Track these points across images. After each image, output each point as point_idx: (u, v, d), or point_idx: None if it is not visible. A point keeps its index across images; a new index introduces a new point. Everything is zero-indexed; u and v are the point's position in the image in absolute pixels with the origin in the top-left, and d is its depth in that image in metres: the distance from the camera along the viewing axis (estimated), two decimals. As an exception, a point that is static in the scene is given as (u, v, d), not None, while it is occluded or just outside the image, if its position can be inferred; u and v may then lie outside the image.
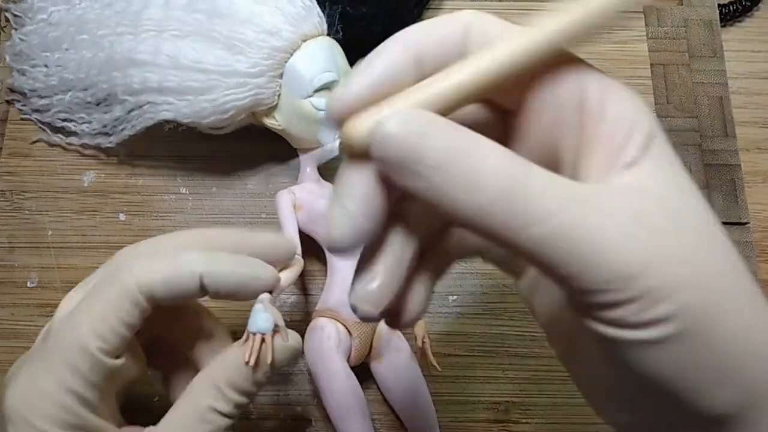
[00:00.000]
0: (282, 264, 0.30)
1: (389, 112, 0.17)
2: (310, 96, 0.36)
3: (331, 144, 0.37)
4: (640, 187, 0.18)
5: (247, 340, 0.27)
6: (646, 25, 0.46)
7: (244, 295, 0.27)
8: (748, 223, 0.41)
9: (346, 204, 0.18)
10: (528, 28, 0.19)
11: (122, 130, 0.40)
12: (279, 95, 0.38)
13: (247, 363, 0.27)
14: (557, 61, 0.19)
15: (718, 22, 0.46)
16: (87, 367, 0.24)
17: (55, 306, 0.39)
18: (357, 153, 0.18)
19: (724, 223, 0.41)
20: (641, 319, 0.16)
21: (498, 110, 0.21)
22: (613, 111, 0.18)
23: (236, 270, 0.27)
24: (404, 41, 0.20)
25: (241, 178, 0.42)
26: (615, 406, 0.20)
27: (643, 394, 0.18)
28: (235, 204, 0.41)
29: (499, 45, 0.19)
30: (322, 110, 0.36)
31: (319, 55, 0.37)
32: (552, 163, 0.19)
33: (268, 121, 0.38)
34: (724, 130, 0.43)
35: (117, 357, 0.25)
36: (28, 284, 0.40)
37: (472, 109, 0.20)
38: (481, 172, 0.16)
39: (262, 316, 0.27)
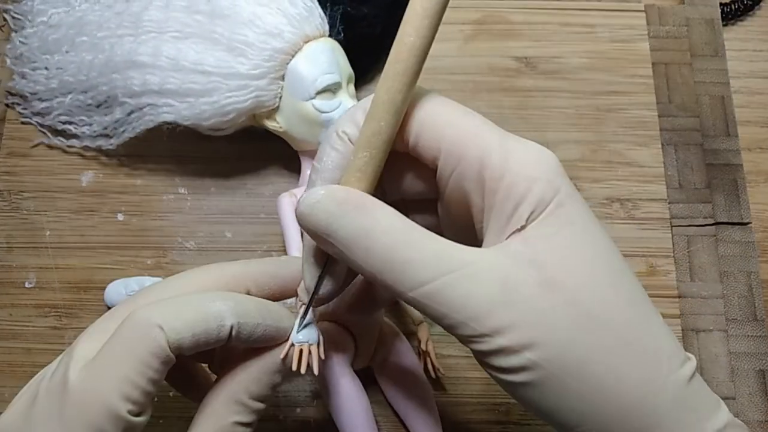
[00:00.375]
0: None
1: (307, 193, 0.22)
2: (312, 98, 0.36)
3: None
4: (518, 254, 0.21)
5: (288, 349, 0.26)
6: (647, 24, 0.45)
7: (262, 344, 0.26)
8: (750, 223, 0.41)
9: (311, 260, 0.24)
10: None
11: (123, 132, 0.40)
12: (280, 97, 0.37)
13: (295, 370, 0.26)
14: (463, 135, 0.22)
15: (720, 21, 0.46)
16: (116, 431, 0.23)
17: (54, 306, 0.39)
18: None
19: (726, 224, 0.41)
20: (504, 365, 0.20)
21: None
22: (507, 180, 0.21)
23: (264, 322, 0.25)
24: (335, 132, 0.24)
25: (240, 178, 0.42)
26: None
27: (542, 418, 0.22)
28: (234, 204, 0.41)
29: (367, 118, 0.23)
30: (324, 112, 0.36)
31: (321, 57, 0.36)
32: (469, 223, 0.23)
33: (270, 123, 0.38)
34: (726, 129, 0.43)
35: (143, 413, 0.24)
36: (26, 284, 0.40)
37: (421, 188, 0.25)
38: (373, 248, 0.21)
39: (311, 329, 0.27)
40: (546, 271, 0.20)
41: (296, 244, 0.35)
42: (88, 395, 0.22)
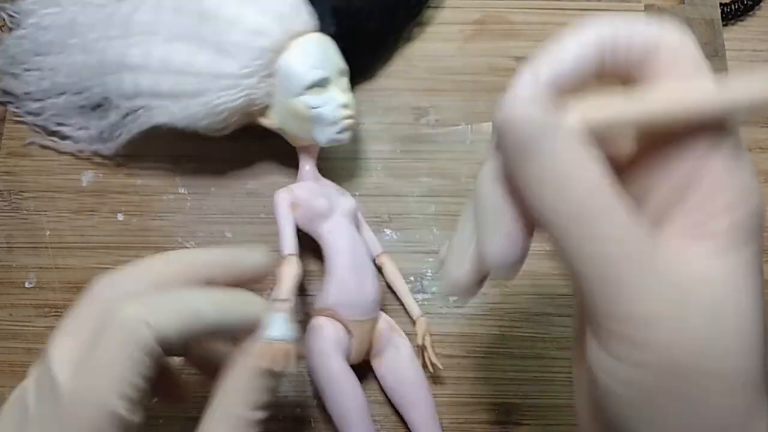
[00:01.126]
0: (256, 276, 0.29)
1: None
2: (301, 94, 0.36)
3: (327, 140, 0.37)
4: (692, 266, 0.19)
5: (261, 347, 0.27)
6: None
7: (242, 334, 0.27)
8: (750, 223, 0.41)
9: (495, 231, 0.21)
10: (724, 84, 0.20)
11: (118, 135, 0.40)
12: (272, 94, 0.37)
13: (269, 371, 0.26)
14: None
15: (720, 21, 0.46)
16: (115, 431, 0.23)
17: (54, 306, 0.39)
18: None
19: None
20: (625, 355, 0.19)
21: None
22: (718, 184, 0.19)
23: (241, 314, 0.26)
24: (598, 35, 0.21)
25: (240, 178, 0.42)
26: None
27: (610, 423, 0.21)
28: (234, 204, 0.41)
29: (694, 94, 0.20)
30: (314, 108, 0.36)
31: (309, 53, 0.36)
32: (639, 197, 0.21)
33: (264, 121, 0.38)
34: (726, 129, 0.43)
35: (137, 411, 0.24)
36: (26, 284, 0.40)
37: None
38: (572, 193, 0.19)
39: (287, 326, 0.27)
40: (710, 293, 0.19)
41: (289, 241, 0.35)
42: (85, 397, 0.23)
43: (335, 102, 0.36)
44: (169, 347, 0.24)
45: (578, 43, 0.20)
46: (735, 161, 0.20)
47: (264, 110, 0.38)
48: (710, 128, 0.20)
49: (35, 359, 0.38)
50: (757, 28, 0.48)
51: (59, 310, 0.39)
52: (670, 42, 0.20)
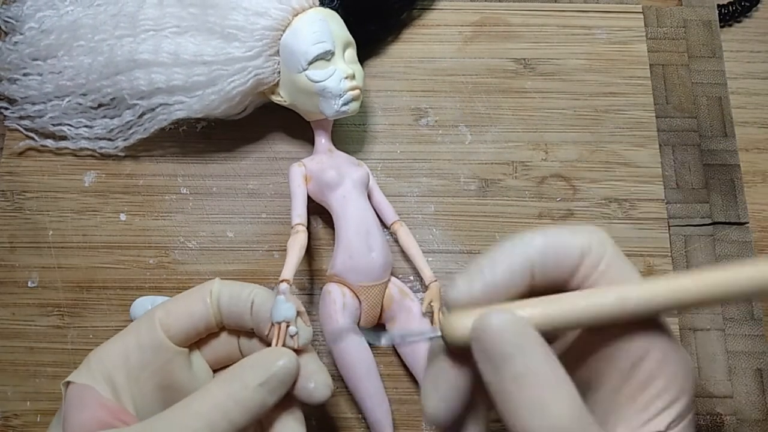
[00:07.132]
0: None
1: (498, 311, 0.21)
2: (305, 69, 0.36)
3: (334, 113, 0.37)
4: None
5: (272, 329, 0.29)
6: (645, 25, 0.46)
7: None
8: (747, 223, 0.41)
9: (440, 387, 0.23)
10: (655, 281, 0.22)
11: (132, 134, 0.41)
12: (279, 72, 0.38)
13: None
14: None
15: (717, 22, 0.46)
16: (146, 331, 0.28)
17: (56, 306, 0.39)
18: (455, 345, 0.22)
19: (723, 223, 0.41)
20: None
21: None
22: (659, 384, 0.21)
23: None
24: (525, 251, 0.23)
25: (242, 178, 0.42)
26: None
27: None
28: (236, 204, 0.41)
29: (632, 290, 0.21)
30: (317, 82, 0.36)
31: (311, 28, 0.36)
32: (585, 389, 0.22)
33: (275, 98, 0.39)
34: (723, 130, 0.44)
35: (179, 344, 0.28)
36: (29, 284, 0.40)
37: None
38: (548, 409, 0.19)
39: (286, 306, 0.29)
40: None
41: (298, 211, 0.36)
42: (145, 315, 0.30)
43: (339, 75, 0.37)
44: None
45: (508, 264, 0.22)
46: (670, 351, 0.21)
47: (274, 88, 0.39)
48: (645, 324, 0.21)
49: (38, 358, 0.39)
50: (754, 29, 0.48)
51: (62, 309, 0.39)
52: (593, 249, 0.22)
